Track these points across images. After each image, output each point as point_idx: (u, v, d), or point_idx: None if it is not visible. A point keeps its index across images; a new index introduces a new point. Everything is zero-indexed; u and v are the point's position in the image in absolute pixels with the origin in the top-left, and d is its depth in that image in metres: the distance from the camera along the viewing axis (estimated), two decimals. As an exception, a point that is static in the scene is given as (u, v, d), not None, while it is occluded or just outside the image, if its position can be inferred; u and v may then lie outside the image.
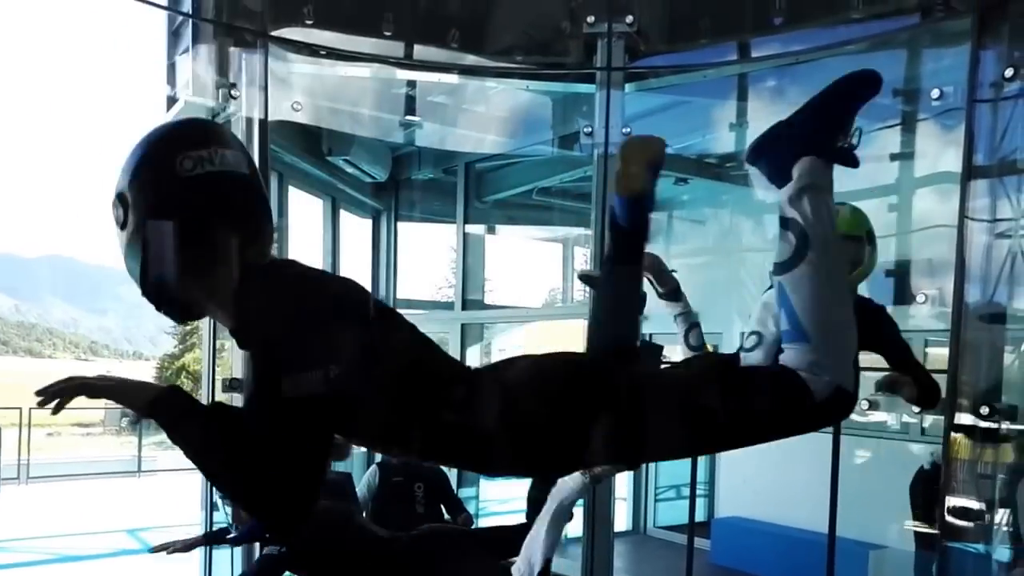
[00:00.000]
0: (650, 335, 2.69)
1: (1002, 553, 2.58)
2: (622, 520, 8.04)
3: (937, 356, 5.21)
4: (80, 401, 1.39)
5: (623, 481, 6.61)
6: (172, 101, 3.62)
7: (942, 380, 2.48)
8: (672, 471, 7.74)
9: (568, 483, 2.23)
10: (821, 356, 1.37)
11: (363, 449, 4.71)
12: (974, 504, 2.50)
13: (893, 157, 5.67)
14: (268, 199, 1.53)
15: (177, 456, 2.01)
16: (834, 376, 1.37)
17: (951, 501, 2.53)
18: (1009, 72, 2.49)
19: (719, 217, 7.43)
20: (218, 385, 3.77)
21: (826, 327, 1.38)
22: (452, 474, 5.39)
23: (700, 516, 7.48)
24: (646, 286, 2.09)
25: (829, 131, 1.44)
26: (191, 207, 1.34)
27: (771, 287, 1.68)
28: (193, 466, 1.41)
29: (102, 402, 1.44)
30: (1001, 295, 2.47)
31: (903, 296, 5.61)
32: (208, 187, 1.35)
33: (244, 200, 1.41)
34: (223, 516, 3.23)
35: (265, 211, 1.47)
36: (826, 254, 1.39)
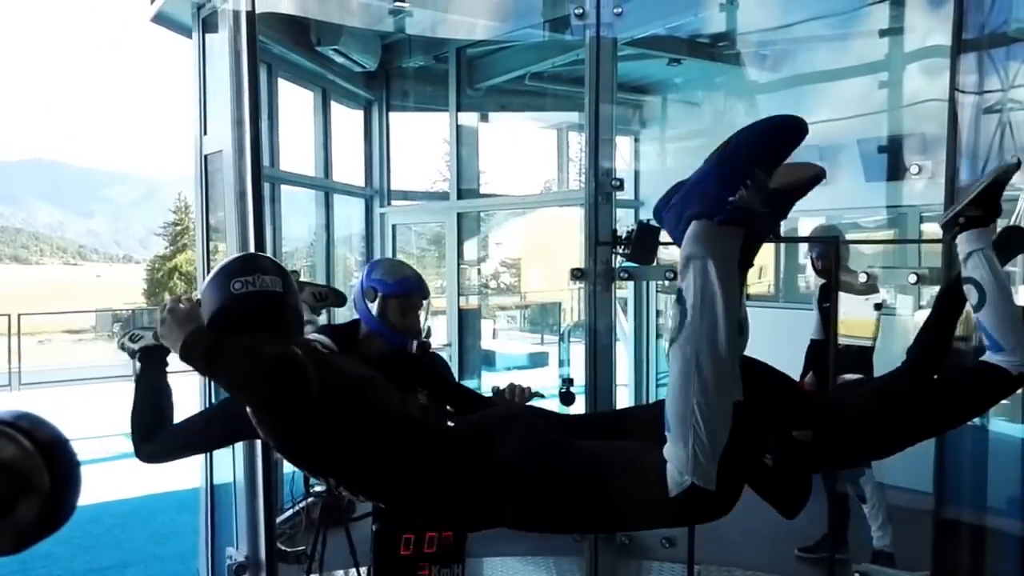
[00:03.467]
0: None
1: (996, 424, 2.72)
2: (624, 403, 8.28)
3: (931, 231, 5.32)
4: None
5: (623, 368, 6.79)
6: (158, -6, 3.55)
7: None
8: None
9: None
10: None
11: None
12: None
13: (883, 33, 5.60)
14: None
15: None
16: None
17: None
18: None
19: (713, 99, 7.34)
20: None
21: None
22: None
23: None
24: None
25: (721, 190, 1.28)
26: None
27: None
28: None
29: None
30: (992, 167, 2.51)
31: (897, 171, 5.66)
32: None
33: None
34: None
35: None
36: (711, 325, 1.30)
